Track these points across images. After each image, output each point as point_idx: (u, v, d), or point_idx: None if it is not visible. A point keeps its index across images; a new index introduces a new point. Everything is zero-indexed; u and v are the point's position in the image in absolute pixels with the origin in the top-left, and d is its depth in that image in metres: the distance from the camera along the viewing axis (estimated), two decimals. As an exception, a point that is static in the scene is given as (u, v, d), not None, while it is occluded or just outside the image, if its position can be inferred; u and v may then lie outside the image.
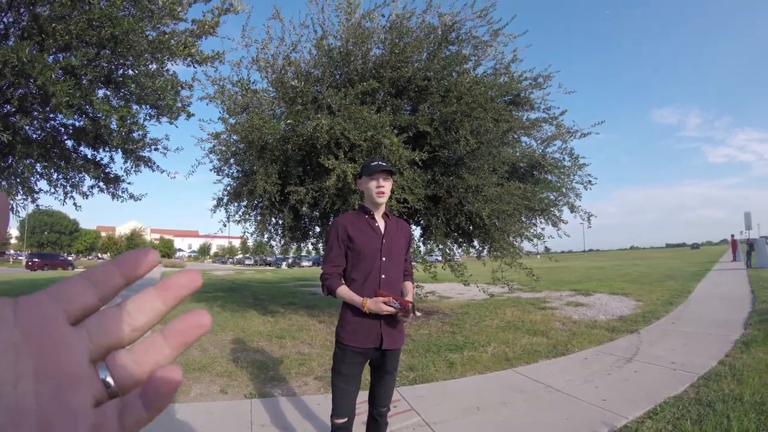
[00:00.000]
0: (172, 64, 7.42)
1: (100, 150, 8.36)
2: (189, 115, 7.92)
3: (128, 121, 6.45)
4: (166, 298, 0.34)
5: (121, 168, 8.68)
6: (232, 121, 7.01)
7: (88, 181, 8.62)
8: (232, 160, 7.82)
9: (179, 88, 7.63)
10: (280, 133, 6.48)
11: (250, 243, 8.93)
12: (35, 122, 7.21)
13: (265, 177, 6.48)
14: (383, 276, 2.35)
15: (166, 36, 6.80)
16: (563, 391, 4.25)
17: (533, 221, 9.00)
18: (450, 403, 4.01)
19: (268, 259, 58.42)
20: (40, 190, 8.55)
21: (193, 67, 7.68)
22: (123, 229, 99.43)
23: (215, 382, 4.68)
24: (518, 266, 7.76)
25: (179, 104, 7.71)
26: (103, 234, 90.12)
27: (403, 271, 2.51)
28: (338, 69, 7.27)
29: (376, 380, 2.48)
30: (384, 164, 2.35)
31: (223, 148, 7.40)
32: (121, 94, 7.10)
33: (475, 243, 8.46)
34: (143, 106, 7.40)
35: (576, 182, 9.39)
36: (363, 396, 2.54)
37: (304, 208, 6.80)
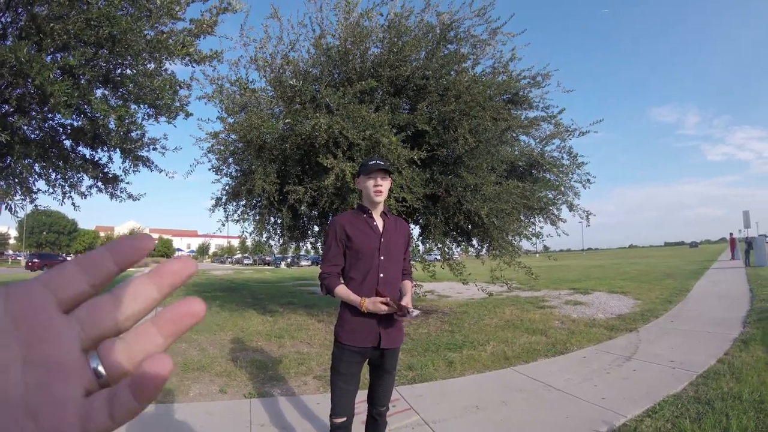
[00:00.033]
0: (171, 64, 7.43)
1: (99, 150, 8.36)
2: (187, 115, 7.91)
3: (126, 121, 6.46)
4: (160, 286, 0.33)
5: (120, 168, 8.69)
6: (230, 120, 7.00)
7: (87, 181, 8.62)
8: (230, 160, 7.81)
9: (177, 87, 7.63)
10: (278, 132, 6.47)
11: (249, 242, 8.93)
12: (33, 122, 7.21)
13: (264, 176, 6.47)
14: (381, 275, 2.35)
15: (164, 35, 6.80)
16: (562, 389, 4.25)
17: (532, 220, 9.00)
18: (449, 402, 4.01)
19: (267, 258, 58.31)
20: (39, 190, 8.55)
21: (192, 66, 7.68)
22: (122, 229, 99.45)
23: (214, 381, 4.67)
24: (517, 265, 7.76)
25: (177, 104, 7.71)
26: (102, 234, 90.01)
27: (401, 270, 2.51)
28: (337, 68, 7.26)
29: (375, 379, 2.48)
30: (382, 163, 2.35)
31: (222, 148, 7.39)
32: (120, 93, 7.09)
33: (474, 242, 8.46)
34: (141, 106, 7.39)
35: (574, 181, 9.40)
36: (362, 395, 2.54)
37: (302, 208, 6.80)
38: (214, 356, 5.67)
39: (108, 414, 0.30)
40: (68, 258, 51.10)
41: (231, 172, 8.10)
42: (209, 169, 7.93)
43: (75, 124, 7.42)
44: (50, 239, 72.37)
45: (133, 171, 8.64)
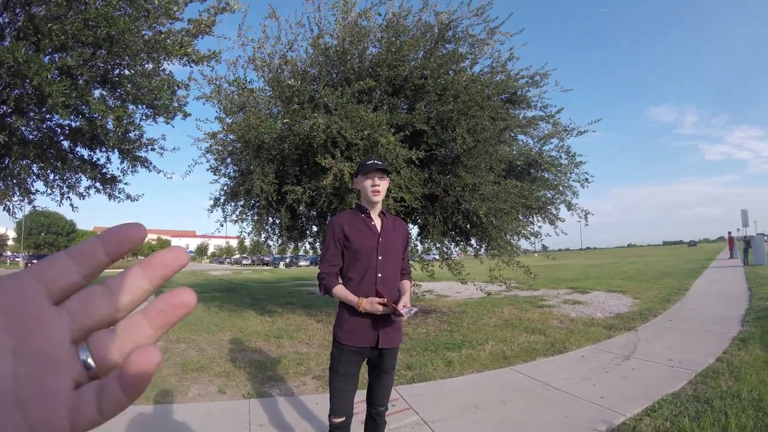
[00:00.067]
0: (169, 64, 7.42)
1: (97, 150, 8.35)
2: (185, 115, 7.89)
3: (124, 121, 6.44)
4: (151, 277, 0.32)
5: (118, 168, 8.67)
6: (228, 120, 7.00)
7: (85, 182, 8.61)
8: (228, 160, 7.81)
9: (175, 87, 7.61)
10: (276, 133, 6.46)
11: (248, 243, 8.92)
12: (31, 123, 7.20)
13: (262, 176, 6.46)
14: (379, 274, 2.35)
15: (162, 35, 6.79)
16: (561, 389, 4.26)
17: (530, 219, 9.01)
18: (448, 402, 4.01)
19: (266, 258, 58.21)
20: (37, 191, 8.53)
21: (190, 66, 7.67)
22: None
23: (213, 382, 4.67)
24: (516, 264, 7.77)
25: (176, 104, 7.69)
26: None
27: (400, 269, 2.51)
28: (335, 68, 7.26)
29: (373, 379, 2.48)
30: (379, 163, 2.35)
31: (220, 148, 7.39)
32: (118, 94, 7.08)
33: (473, 241, 8.46)
34: (139, 106, 7.38)
35: (573, 180, 9.42)
36: (361, 395, 2.54)
37: (301, 208, 6.80)
38: (213, 357, 5.66)
39: (96, 407, 0.29)
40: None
41: (229, 173, 8.10)
42: (207, 170, 7.93)
43: (73, 124, 7.42)
44: (49, 240, 72.22)
45: (132, 171, 8.63)
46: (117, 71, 6.91)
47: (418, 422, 3.56)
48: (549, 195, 9.11)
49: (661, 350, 5.50)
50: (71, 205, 8.77)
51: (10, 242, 78.53)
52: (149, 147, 8.52)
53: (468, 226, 7.61)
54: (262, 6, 7.24)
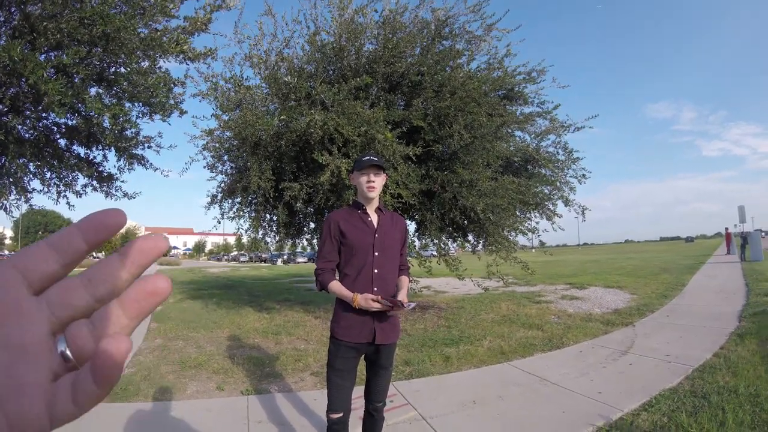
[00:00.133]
0: (165, 62, 7.37)
1: (93, 148, 8.30)
2: (182, 113, 7.87)
3: (121, 119, 6.41)
4: (129, 266, 0.32)
5: (115, 166, 8.64)
6: (225, 117, 6.98)
7: (82, 180, 8.56)
8: (225, 157, 7.79)
9: (172, 85, 7.57)
10: (273, 129, 6.45)
11: (245, 240, 8.91)
12: (28, 121, 7.15)
13: (259, 173, 6.45)
14: (376, 271, 2.36)
15: (158, 33, 6.75)
16: (559, 384, 4.28)
17: (528, 215, 9.01)
18: (446, 397, 4.02)
19: (263, 255, 58.22)
20: (34, 189, 8.49)
21: (186, 64, 7.63)
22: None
23: (212, 379, 4.68)
24: (513, 260, 7.78)
25: (172, 101, 7.66)
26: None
27: (398, 266, 2.51)
28: (331, 65, 7.24)
29: (371, 375, 2.48)
30: (374, 159, 2.35)
31: (217, 145, 7.37)
32: (114, 92, 7.04)
33: (470, 237, 8.47)
34: (136, 104, 7.35)
35: (570, 176, 9.42)
36: (359, 391, 2.55)
37: (298, 204, 6.80)
38: (211, 353, 5.67)
39: (72, 399, 0.29)
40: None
41: (226, 170, 8.08)
42: (204, 167, 7.92)
43: (69, 122, 7.38)
44: (46, 239, 72.00)
45: (128, 169, 8.59)
46: (113, 69, 6.88)
47: (417, 418, 3.57)
48: (546, 191, 9.11)
49: (659, 345, 5.53)
50: (68, 203, 8.73)
51: (7, 241, 78.28)
52: (146, 145, 8.48)
53: (465, 222, 7.61)
54: (258, 3, 7.25)
